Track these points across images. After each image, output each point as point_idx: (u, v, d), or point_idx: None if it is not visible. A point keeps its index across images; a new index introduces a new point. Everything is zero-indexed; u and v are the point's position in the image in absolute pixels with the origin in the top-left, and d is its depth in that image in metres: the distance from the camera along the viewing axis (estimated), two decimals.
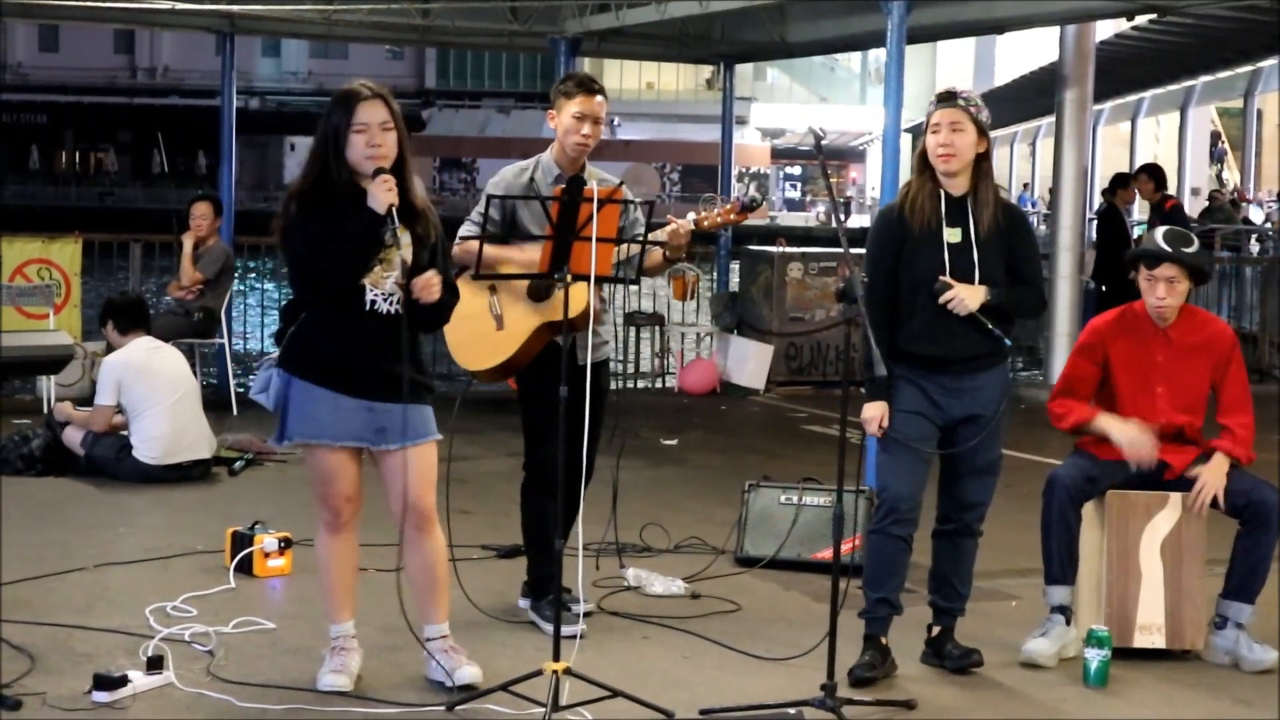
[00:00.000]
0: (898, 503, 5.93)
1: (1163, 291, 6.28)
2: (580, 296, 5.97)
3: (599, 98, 6.45)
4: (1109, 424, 6.33)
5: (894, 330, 5.95)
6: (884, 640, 6.01)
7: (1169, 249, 6.26)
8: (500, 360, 6.29)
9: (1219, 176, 45.95)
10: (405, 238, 5.45)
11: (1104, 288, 15.40)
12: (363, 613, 5.96)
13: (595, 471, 6.42)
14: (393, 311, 5.46)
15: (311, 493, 5.70)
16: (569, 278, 5.59)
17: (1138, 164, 32.73)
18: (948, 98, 5.96)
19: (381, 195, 5.33)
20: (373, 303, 5.45)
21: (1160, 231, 6.44)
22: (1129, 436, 6.28)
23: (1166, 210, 14.57)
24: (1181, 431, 6.39)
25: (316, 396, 5.48)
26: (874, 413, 5.92)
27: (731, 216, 6.19)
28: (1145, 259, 6.33)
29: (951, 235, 5.90)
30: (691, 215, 6.19)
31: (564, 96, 6.44)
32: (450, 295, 5.61)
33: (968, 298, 5.84)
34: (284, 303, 5.73)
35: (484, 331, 6.21)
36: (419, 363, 5.62)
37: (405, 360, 5.38)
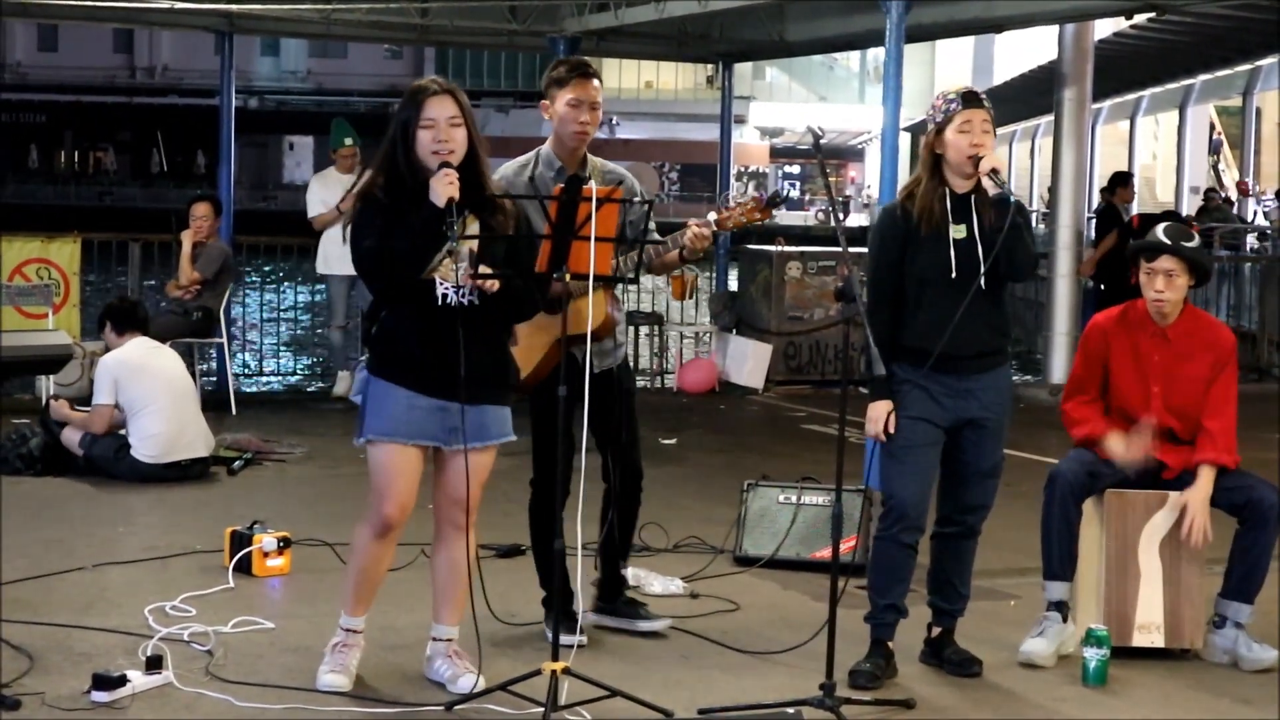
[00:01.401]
0: (906, 510, 5.92)
1: (1161, 284, 6.28)
2: (595, 309, 5.93)
3: (595, 81, 6.22)
4: (1112, 446, 6.33)
5: (898, 328, 5.95)
6: (890, 644, 6.02)
7: (1168, 241, 6.26)
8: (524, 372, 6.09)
9: (1215, 169, 45.93)
10: (474, 228, 5.45)
11: (1102, 286, 15.41)
12: None
13: (596, 471, 6.36)
14: (465, 303, 5.42)
15: (371, 493, 5.59)
16: (568, 277, 5.55)
17: (1137, 162, 32.87)
18: (974, 98, 5.92)
19: (441, 189, 5.30)
20: (444, 296, 5.42)
21: (1160, 226, 6.44)
22: (1122, 459, 6.30)
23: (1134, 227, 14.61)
24: (1174, 432, 6.39)
25: (394, 396, 5.45)
26: (878, 412, 5.91)
27: (756, 215, 5.98)
28: (1144, 252, 6.33)
29: (957, 231, 5.89)
30: (712, 215, 5.97)
31: (557, 84, 6.21)
32: (536, 286, 5.58)
33: (994, 158, 5.84)
34: (367, 305, 5.72)
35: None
36: (504, 357, 5.60)
37: (461, 355, 5.30)
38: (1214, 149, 45.61)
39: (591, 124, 6.21)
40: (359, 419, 5.55)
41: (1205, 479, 6.28)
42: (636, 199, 6.04)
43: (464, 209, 5.37)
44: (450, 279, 5.39)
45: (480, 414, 5.49)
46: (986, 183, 5.81)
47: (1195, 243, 6.35)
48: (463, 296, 5.42)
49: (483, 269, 5.34)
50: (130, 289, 14.18)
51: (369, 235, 5.38)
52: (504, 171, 6.31)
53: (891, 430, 5.89)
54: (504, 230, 5.51)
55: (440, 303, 5.41)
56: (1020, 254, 5.84)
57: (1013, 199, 5.78)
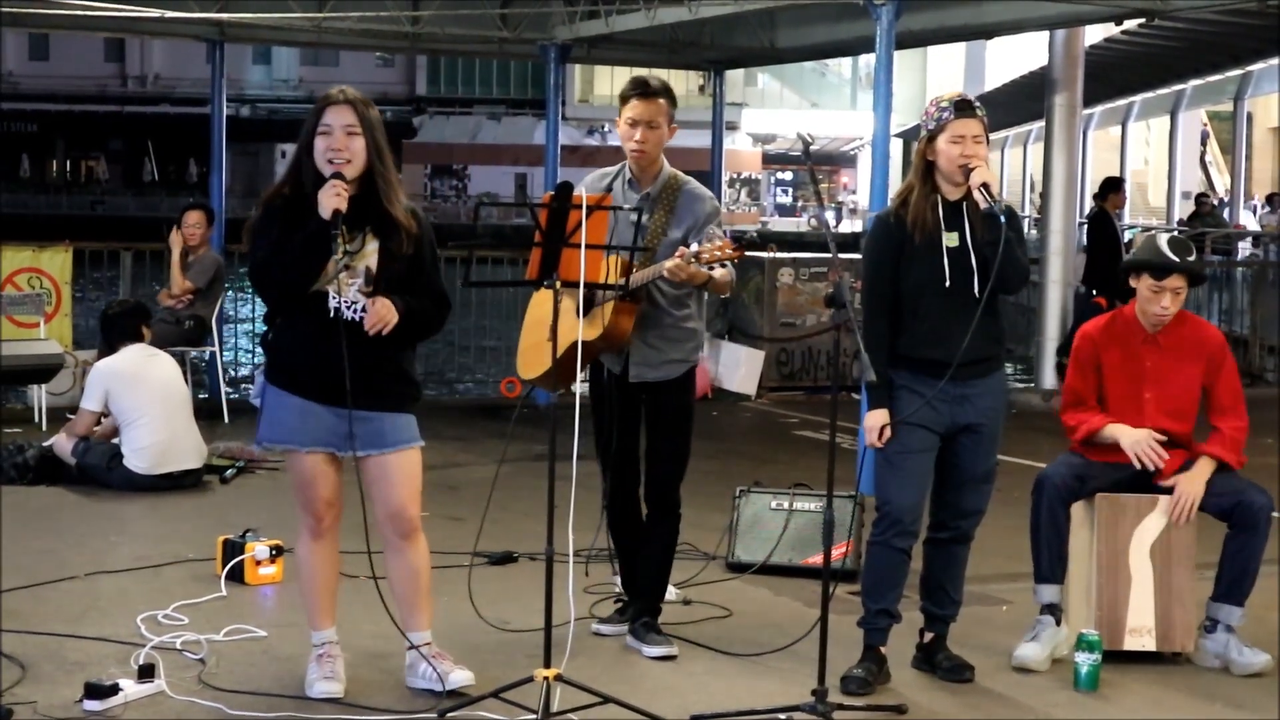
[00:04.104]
0: (901, 515, 5.92)
1: (1168, 301, 6.30)
2: (607, 312, 6.02)
3: (656, 100, 6.19)
4: (1118, 432, 6.34)
5: (895, 336, 5.95)
6: (882, 650, 6.02)
7: (1178, 259, 6.26)
8: (539, 372, 6.15)
9: (1203, 160, 45.99)
10: (372, 245, 5.45)
11: (1094, 292, 15.41)
12: (352, 619, 5.94)
13: (591, 477, 6.34)
14: (358, 319, 5.44)
15: (295, 498, 5.70)
16: (558, 285, 5.58)
17: (1128, 168, 32.88)
18: (967, 107, 5.90)
19: (326, 200, 5.31)
20: (336, 310, 5.43)
21: (1164, 240, 6.41)
22: (1132, 439, 6.30)
23: None
24: (1170, 436, 6.39)
25: (287, 403, 5.52)
26: (874, 422, 5.92)
27: (729, 250, 5.93)
28: (1153, 270, 6.31)
29: (950, 240, 5.89)
30: (694, 246, 5.98)
31: (621, 101, 6.28)
32: (437, 308, 5.60)
33: (987, 171, 5.84)
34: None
35: (540, 340, 6.06)
36: (397, 370, 5.58)
37: (346, 368, 5.34)
38: (1201, 139, 45.77)
39: (647, 143, 6.22)
40: (258, 425, 5.61)
41: (1204, 466, 6.31)
42: (624, 207, 6.07)
43: (362, 224, 5.39)
44: (345, 293, 5.43)
45: (377, 421, 5.51)
46: (977, 196, 5.81)
47: (1195, 253, 6.39)
48: (355, 312, 5.45)
49: (382, 307, 5.37)
50: (121, 297, 14.14)
51: (262, 246, 5.41)
52: (588, 178, 6.40)
53: (887, 439, 5.90)
54: (401, 251, 5.47)
55: (332, 315, 5.43)
56: (1011, 269, 5.83)
57: (1002, 216, 5.76)
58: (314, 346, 5.42)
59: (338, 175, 5.35)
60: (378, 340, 5.43)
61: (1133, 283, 6.39)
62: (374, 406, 5.49)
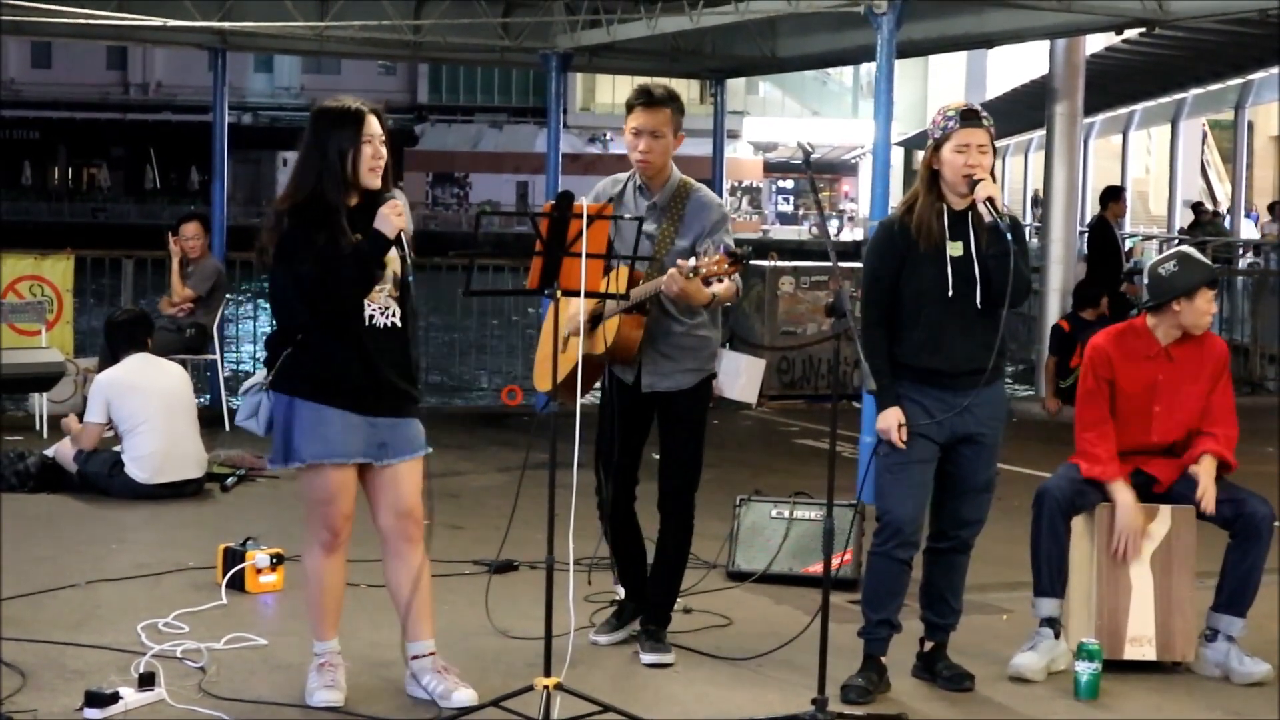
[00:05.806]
0: (902, 526, 5.92)
1: (1213, 305, 6.38)
2: (613, 327, 6.06)
3: (662, 109, 6.15)
4: (1120, 501, 6.30)
5: (893, 344, 5.95)
6: (882, 659, 6.02)
7: (1214, 265, 6.32)
8: (550, 385, 6.05)
9: (1202, 162, 45.99)
10: (393, 251, 5.51)
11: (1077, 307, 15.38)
12: (352, 627, 5.95)
13: (587, 486, 6.39)
14: (389, 325, 5.50)
15: (310, 512, 5.66)
16: (559, 293, 5.59)
17: (1129, 176, 32.87)
18: (973, 117, 5.90)
19: (393, 220, 5.41)
20: (370, 317, 5.47)
21: (1192, 250, 6.47)
22: (1125, 521, 6.28)
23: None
24: (1174, 447, 6.40)
25: (327, 416, 5.48)
26: (887, 423, 5.91)
27: (725, 265, 5.92)
28: (1213, 281, 6.36)
29: (954, 249, 5.89)
30: (692, 260, 5.93)
31: (626, 109, 6.28)
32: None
33: (991, 185, 5.83)
34: (268, 334, 5.67)
35: (549, 353, 6.03)
36: (414, 375, 5.64)
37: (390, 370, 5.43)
38: (1200, 138, 45.88)
39: (651, 153, 6.19)
40: (282, 443, 5.55)
41: (1210, 464, 6.30)
42: (625, 217, 6.06)
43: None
44: (377, 300, 5.48)
45: (405, 427, 5.58)
46: (982, 209, 5.80)
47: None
48: (387, 317, 5.51)
49: None
50: (134, 304, 14.14)
51: (307, 260, 5.40)
52: (601, 183, 6.43)
53: (905, 437, 5.88)
54: (411, 251, 5.58)
55: (367, 323, 5.48)
56: (1015, 283, 5.81)
57: (1006, 231, 5.75)
58: (350, 356, 5.45)
59: (392, 196, 5.47)
60: (405, 345, 5.54)
61: (1179, 304, 6.30)
62: (406, 413, 5.58)
